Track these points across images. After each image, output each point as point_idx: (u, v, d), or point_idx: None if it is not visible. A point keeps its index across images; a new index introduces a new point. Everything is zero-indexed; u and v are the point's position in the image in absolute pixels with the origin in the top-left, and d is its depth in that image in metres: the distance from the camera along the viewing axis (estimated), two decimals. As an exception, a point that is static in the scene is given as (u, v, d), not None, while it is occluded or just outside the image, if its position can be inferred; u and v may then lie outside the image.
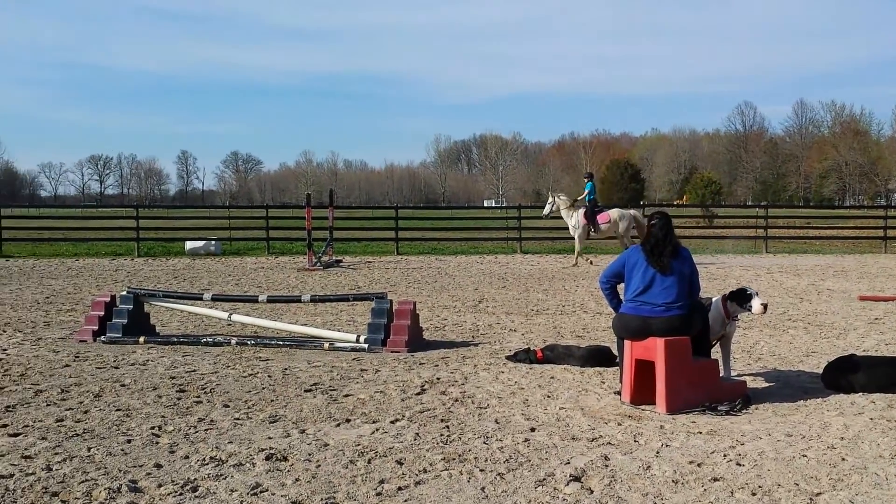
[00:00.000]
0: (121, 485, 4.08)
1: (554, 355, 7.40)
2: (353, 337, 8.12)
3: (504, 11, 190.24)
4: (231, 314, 8.90)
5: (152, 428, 5.17)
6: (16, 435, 4.99)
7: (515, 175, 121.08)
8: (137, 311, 8.59)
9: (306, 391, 6.23)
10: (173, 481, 4.15)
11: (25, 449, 4.69)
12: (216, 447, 4.74)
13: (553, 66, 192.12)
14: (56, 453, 4.61)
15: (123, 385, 6.41)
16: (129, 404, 5.79)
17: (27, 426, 5.20)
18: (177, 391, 6.20)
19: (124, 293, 8.73)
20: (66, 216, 44.03)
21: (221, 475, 4.25)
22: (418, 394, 6.16)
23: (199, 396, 6.04)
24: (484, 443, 4.86)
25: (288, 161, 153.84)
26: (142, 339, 8.31)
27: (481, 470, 4.35)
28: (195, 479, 4.19)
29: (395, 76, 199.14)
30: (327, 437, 4.98)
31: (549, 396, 6.11)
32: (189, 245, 23.73)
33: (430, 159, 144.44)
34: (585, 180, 20.59)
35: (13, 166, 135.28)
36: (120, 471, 4.32)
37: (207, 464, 4.43)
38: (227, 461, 4.48)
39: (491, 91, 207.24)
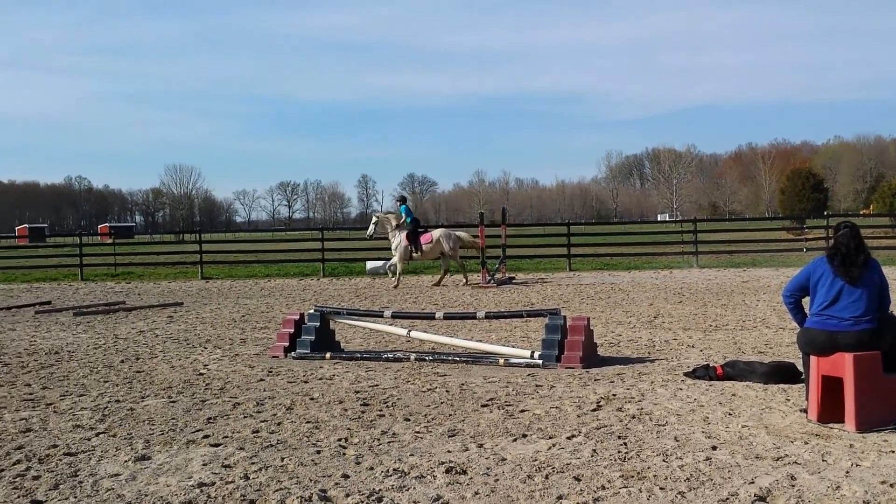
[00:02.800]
0: (312, 494, 4.31)
1: (735, 372, 7.13)
2: (527, 353, 8.17)
3: (673, 23, 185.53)
4: (410, 331, 9.19)
5: (339, 440, 5.43)
6: (216, 445, 5.38)
7: (690, 188, 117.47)
8: (324, 328, 9.04)
9: (483, 406, 6.34)
10: (360, 491, 4.34)
11: (225, 458, 5.05)
12: (399, 459, 4.92)
13: (726, 76, 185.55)
14: (253, 463, 4.94)
15: (312, 398, 6.77)
16: (318, 417, 6.11)
17: (226, 437, 5.59)
18: (361, 405, 6.48)
19: (312, 311, 9.20)
20: (258, 240, 46.94)
21: (404, 487, 4.41)
22: (594, 410, 6.12)
23: (381, 410, 6.28)
24: (663, 461, 4.77)
25: (461, 181, 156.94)
26: (328, 354, 8.73)
27: (661, 488, 4.27)
28: (380, 489, 4.37)
29: (563, 94, 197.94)
30: (504, 451, 5.05)
31: (730, 414, 5.90)
32: (370, 265, 24.62)
33: (602, 175, 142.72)
34: (398, 203, 20.49)
35: (211, 195, 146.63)
36: (311, 480, 4.57)
37: (391, 475, 4.61)
38: (409, 473, 4.64)
39: (662, 104, 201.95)
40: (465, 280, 19.45)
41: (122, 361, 8.89)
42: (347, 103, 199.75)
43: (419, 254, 19.31)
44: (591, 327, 8.37)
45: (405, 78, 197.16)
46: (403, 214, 19.66)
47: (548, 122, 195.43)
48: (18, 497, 4.38)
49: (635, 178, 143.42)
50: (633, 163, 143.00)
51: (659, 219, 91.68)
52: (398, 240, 19.36)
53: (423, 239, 19.25)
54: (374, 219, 20.67)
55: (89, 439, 5.56)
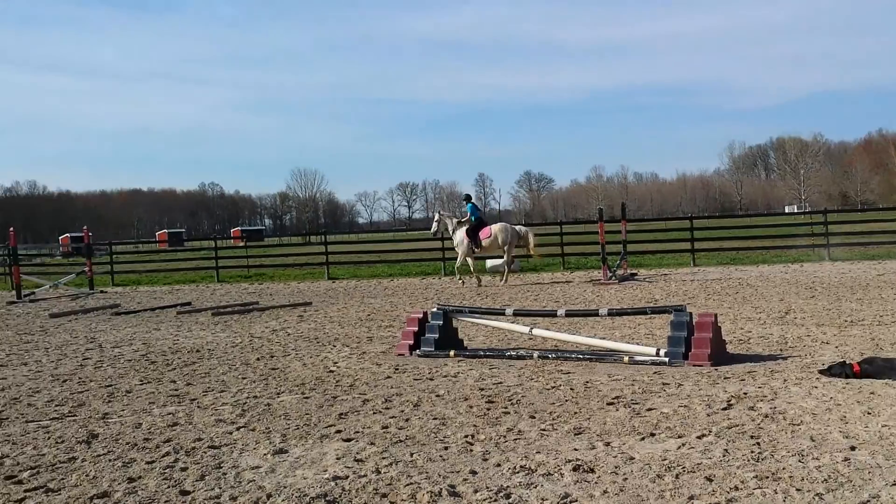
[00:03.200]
0: (441, 489, 4.42)
1: (873, 369, 6.81)
2: (652, 350, 8.06)
3: (794, 8, 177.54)
4: (532, 328, 9.21)
5: (466, 436, 5.52)
6: (348, 440, 5.57)
7: (818, 178, 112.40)
8: (447, 327, 9.18)
9: (608, 404, 6.30)
10: (488, 487, 4.42)
11: (357, 453, 5.22)
12: (525, 456, 4.96)
13: (854, 61, 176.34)
14: (383, 457, 5.09)
15: (438, 395, 6.90)
16: (444, 413, 6.23)
17: (357, 432, 5.78)
18: (486, 402, 6.56)
19: (435, 310, 9.36)
20: (380, 240, 47.87)
21: (532, 484, 4.45)
22: (724, 409, 5.98)
23: (506, 407, 6.34)
24: (799, 461, 4.62)
25: (578, 177, 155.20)
26: (452, 352, 8.86)
27: (798, 489, 4.15)
28: (507, 486, 4.43)
29: (682, 85, 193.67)
30: (632, 450, 5.01)
31: (869, 413, 5.65)
32: (490, 263, 24.74)
33: (724, 166, 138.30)
34: (465, 202, 20.89)
35: (335, 197, 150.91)
36: (440, 475, 4.67)
37: (518, 472, 4.66)
38: (536, 470, 4.68)
39: (786, 92, 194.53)
40: (503, 279, 19.56)
41: (258, 359, 9.30)
42: (465, 103, 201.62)
43: (479, 249, 19.57)
44: (719, 324, 8.17)
45: (521, 76, 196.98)
46: (469, 212, 20.00)
47: (666, 115, 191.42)
48: (168, 487, 4.68)
49: (760, 169, 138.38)
50: (758, 153, 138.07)
51: (787, 210, 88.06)
52: (459, 237, 19.68)
53: (482, 234, 19.46)
54: (436, 217, 20.96)
55: (230, 433, 5.87)
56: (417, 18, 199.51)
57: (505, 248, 19.48)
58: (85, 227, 26.34)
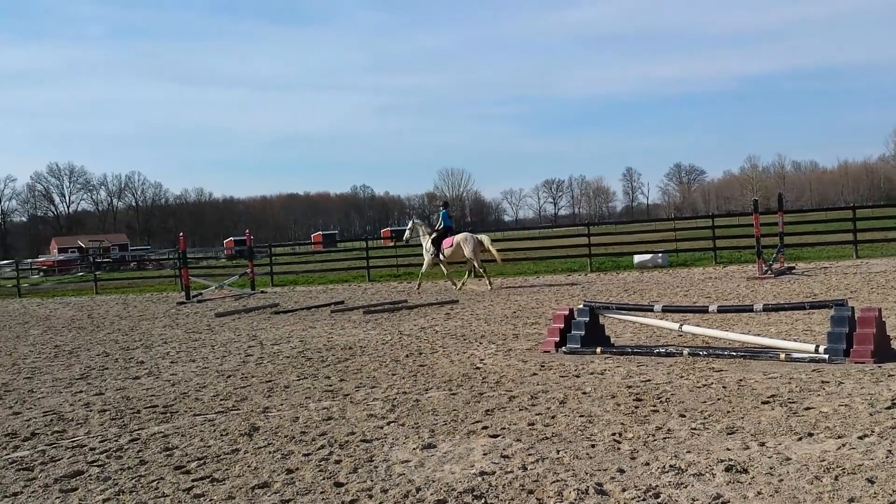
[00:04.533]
0: (588, 487, 4.40)
1: None
2: (811, 347, 7.69)
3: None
4: (682, 325, 8.98)
5: (613, 434, 5.47)
6: (495, 436, 5.63)
7: None
8: (593, 323, 9.09)
9: (763, 403, 6.07)
10: (636, 486, 4.36)
11: (503, 449, 5.28)
12: (675, 456, 4.87)
13: None
14: (529, 454, 5.12)
15: (584, 393, 6.86)
16: (591, 411, 6.19)
17: (504, 428, 5.83)
18: (633, 400, 6.47)
19: (581, 307, 9.30)
20: (525, 237, 47.92)
21: (682, 484, 4.36)
22: (888, 408, 5.64)
23: (655, 406, 6.23)
24: (975, 466, 4.31)
25: (732, 168, 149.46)
26: (598, 349, 8.77)
27: (973, 496, 3.88)
28: (657, 485, 4.36)
29: (841, 68, 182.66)
30: (788, 450, 4.82)
31: None
32: (637, 259, 24.32)
33: (890, 153, 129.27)
34: (440, 209, 21.74)
35: (481, 195, 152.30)
36: (586, 473, 4.66)
37: (667, 471, 4.58)
38: (686, 470, 4.58)
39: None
40: (489, 285, 19.86)
41: (407, 356, 9.54)
42: (610, 96, 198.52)
43: (442, 257, 20.06)
44: (884, 318, 7.70)
45: (668, 66, 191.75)
46: (441, 219, 20.81)
47: (824, 100, 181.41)
48: (323, 479, 4.89)
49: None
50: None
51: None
52: (427, 244, 20.51)
53: (445, 243, 19.97)
54: (409, 224, 22.18)
55: (381, 427, 6.06)
56: (562, 13, 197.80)
57: (469, 257, 19.72)
58: (247, 231, 27.82)
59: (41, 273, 49.08)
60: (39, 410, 7.56)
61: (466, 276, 20.89)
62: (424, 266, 21.01)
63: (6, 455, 5.92)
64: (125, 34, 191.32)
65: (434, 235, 20.42)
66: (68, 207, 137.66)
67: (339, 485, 4.76)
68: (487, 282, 20.23)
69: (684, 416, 5.84)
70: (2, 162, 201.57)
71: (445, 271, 20.71)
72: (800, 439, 5.05)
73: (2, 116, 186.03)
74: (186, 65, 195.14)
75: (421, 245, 21.00)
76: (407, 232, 22.12)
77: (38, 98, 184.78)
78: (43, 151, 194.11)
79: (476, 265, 20.11)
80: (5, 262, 52.38)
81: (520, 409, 6.39)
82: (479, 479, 4.66)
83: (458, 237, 20.01)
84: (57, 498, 4.84)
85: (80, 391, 8.50)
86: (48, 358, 11.53)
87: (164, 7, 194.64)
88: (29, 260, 61.46)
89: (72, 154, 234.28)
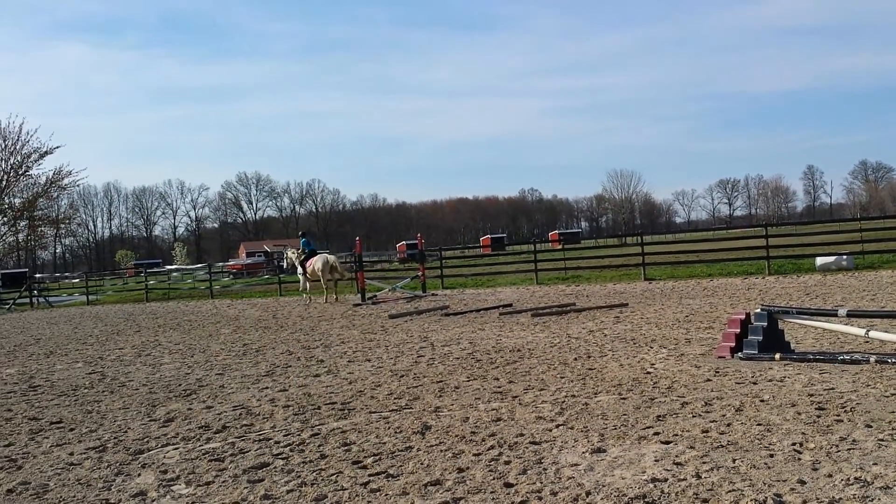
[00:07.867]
0: (766, 497, 4.25)
1: None
2: None
3: None
4: (868, 330, 8.45)
5: (793, 444, 5.24)
6: (667, 442, 5.53)
7: None
8: (772, 328, 8.71)
9: (964, 416, 5.63)
10: (818, 499, 4.17)
11: (676, 456, 5.17)
12: (860, 468, 4.61)
13: None
14: (703, 462, 4.99)
15: (762, 400, 6.60)
16: (769, 419, 5.95)
17: (676, 435, 5.71)
18: (815, 408, 6.16)
19: (758, 311, 8.93)
20: (698, 239, 46.40)
21: (868, 497, 4.14)
22: None
23: (838, 415, 5.91)
24: None
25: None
26: (777, 355, 8.40)
27: None
28: (840, 498, 4.15)
29: None
30: None
31: None
32: (819, 261, 23.00)
33: None
34: (300, 238, 26.20)
35: (651, 197, 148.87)
36: (764, 484, 4.49)
37: (852, 484, 4.35)
38: (872, 483, 4.34)
39: None
40: (325, 299, 24.36)
41: (576, 359, 9.51)
42: (792, 92, 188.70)
43: (306, 276, 24.93)
44: None
45: (859, 58, 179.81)
46: (302, 246, 25.58)
47: None
48: (493, 479, 4.99)
49: None
50: None
51: None
52: (298, 266, 25.45)
53: (307, 264, 24.80)
54: (285, 253, 27.38)
55: (550, 430, 6.09)
56: (736, 10, 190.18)
57: (320, 273, 24.22)
58: (419, 235, 28.60)
59: (231, 276, 52.38)
60: (229, 405, 8.12)
61: (326, 293, 24.82)
62: (301, 284, 26.03)
63: (200, 446, 6.42)
64: (311, 50, 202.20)
65: (302, 258, 25.31)
66: (255, 214, 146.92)
67: (508, 485, 4.83)
68: (334, 296, 24.70)
69: (871, 427, 5.51)
70: (197, 171, 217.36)
71: (307, 287, 25.39)
72: None
73: (198, 130, 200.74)
74: (368, 74, 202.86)
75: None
76: (285, 261, 28.18)
77: (231, 112, 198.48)
78: (233, 161, 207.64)
79: (323, 281, 24.42)
80: (199, 265, 56.46)
81: (693, 416, 6.24)
82: (651, 485, 4.60)
83: (313, 259, 24.74)
84: (245, 488, 5.20)
85: (266, 387, 9.05)
86: (237, 356, 12.35)
87: (350, 21, 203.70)
88: (220, 263, 65.91)
89: (258, 163, 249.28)
